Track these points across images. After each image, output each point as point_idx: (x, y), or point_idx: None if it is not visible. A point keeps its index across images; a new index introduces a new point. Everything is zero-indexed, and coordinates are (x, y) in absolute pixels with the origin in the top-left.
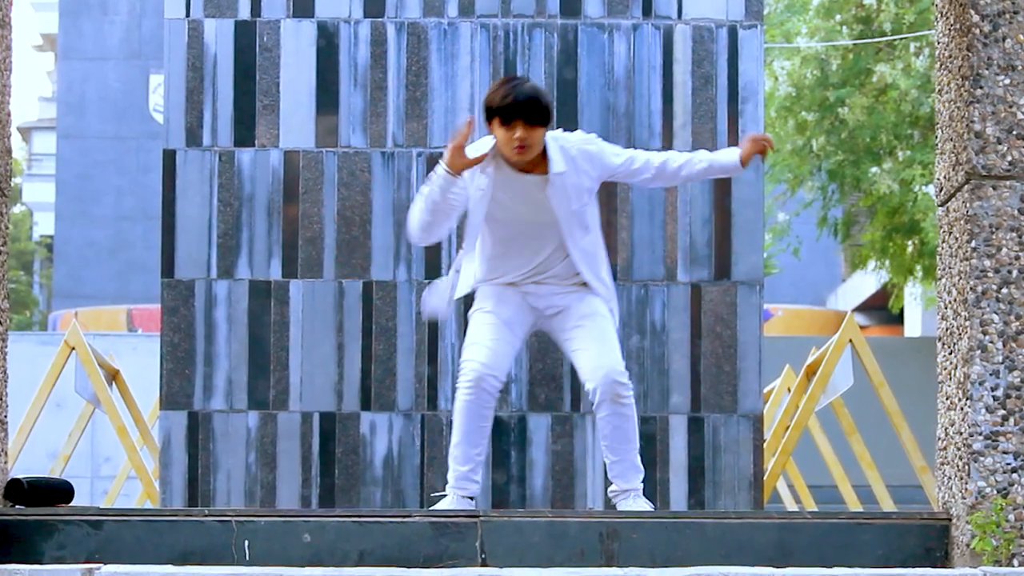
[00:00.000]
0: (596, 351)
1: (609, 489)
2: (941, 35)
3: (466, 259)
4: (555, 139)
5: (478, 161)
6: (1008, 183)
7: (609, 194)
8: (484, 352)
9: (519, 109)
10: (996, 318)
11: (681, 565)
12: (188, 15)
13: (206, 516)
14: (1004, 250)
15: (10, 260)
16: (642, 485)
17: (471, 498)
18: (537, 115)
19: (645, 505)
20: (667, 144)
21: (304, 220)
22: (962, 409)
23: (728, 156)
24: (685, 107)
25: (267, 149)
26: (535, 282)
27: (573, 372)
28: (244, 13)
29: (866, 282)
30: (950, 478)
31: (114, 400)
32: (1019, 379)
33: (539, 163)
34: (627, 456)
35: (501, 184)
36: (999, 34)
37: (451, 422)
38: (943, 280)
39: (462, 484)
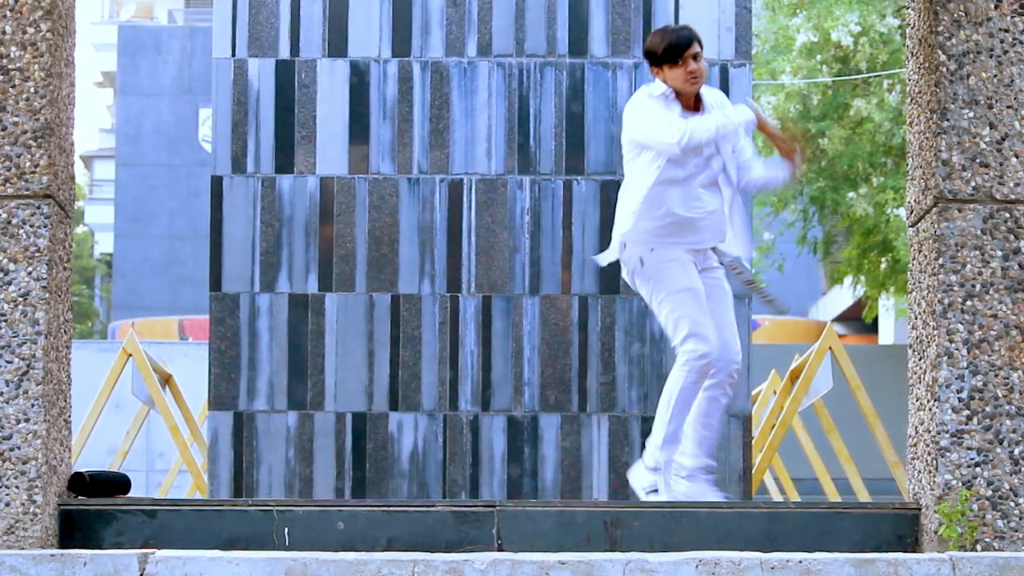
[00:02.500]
0: (725, 331)
1: (686, 465)
2: (912, 73)
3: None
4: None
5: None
6: (972, 206)
7: (612, 215)
8: (711, 335)
9: (683, 45)
10: (961, 328)
11: (678, 550)
12: (234, 55)
13: (250, 506)
14: (968, 266)
15: (74, 275)
16: None
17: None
18: (699, 44)
19: (715, 493)
20: None
21: (338, 239)
22: (930, 410)
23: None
24: None
25: (305, 175)
26: (698, 227)
27: (581, 375)
28: (284, 53)
29: (844, 295)
30: (920, 472)
31: (167, 401)
32: (982, 383)
33: (698, 106)
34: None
35: (684, 116)
36: (964, 72)
37: (470, 421)
38: (913, 293)
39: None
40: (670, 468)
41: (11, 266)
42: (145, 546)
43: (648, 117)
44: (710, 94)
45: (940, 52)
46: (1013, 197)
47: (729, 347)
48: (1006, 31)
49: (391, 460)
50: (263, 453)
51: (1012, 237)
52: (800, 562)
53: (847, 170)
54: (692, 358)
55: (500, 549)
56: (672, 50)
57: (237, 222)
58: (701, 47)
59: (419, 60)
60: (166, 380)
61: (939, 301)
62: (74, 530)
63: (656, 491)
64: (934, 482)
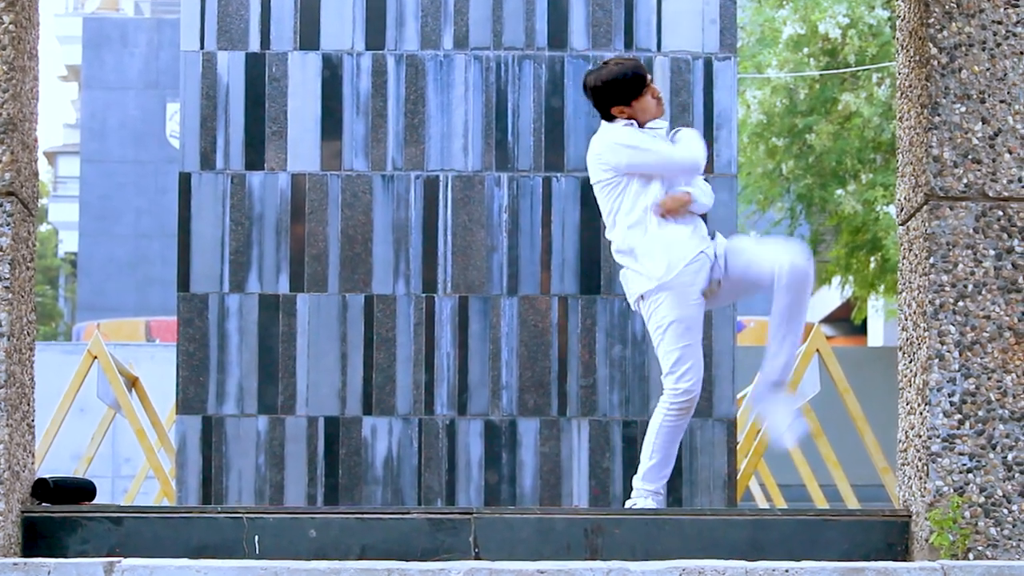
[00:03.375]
0: (767, 251)
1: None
2: (902, 66)
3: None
4: None
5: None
6: (964, 204)
7: (593, 213)
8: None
9: (644, 75)
10: (953, 329)
11: (660, 559)
12: (203, 48)
13: (219, 513)
14: (960, 266)
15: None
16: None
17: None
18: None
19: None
20: None
21: (310, 238)
22: (921, 414)
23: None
24: None
25: (276, 172)
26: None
27: (561, 378)
28: (254, 46)
29: (831, 296)
30: (910, 478)
31: (133, 405)
32: (974, 386)
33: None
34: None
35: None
36: (955, 65)
37: (447, 425)
38: (904, 294)
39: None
40: (656, 496)
41: None
42: (111, 554)
43: (647, 143)
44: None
45: (931, 45)
46: (1006, 194)
47: (784, 258)
48: (999, 23)
49: (365, 466)
50: (233, 458)
51: (1005, 236)
52: (787, 571)
53: (835, 167)
54: (675, 394)
55: (477, 558)
56: (642, 80)
57: (206, 220)
58: None
59: (394, 53)
60: (133, 383)
61: (930, 302)
62: (38, 538)
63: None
64: (925, 488)
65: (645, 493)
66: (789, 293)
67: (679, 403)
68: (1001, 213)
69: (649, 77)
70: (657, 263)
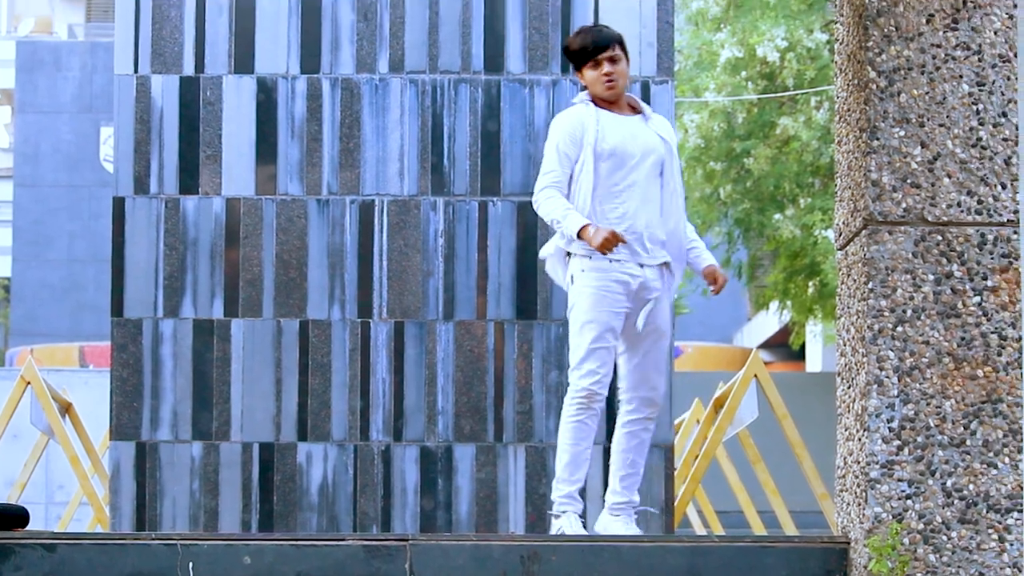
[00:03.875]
0: (647, 371)
1: (612, 503)
2: (840, 90)
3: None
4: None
5: (617, 241)
6: (903, 228)
7: (529, 237)
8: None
9: (600, 49)
10: (892, 354)
11: None
12: (136, 71)
13: (153, 540)
14: (899, 291)
15: None
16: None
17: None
18: (621, 47)
19: (635, 528)
20: None
21: (245, 263)
22: (860, 440)
23: (700, 262)
24: None
25: (210, 196)
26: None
27: (497, 404)
28: (188, 69)
29: (769, 321)
30: (849, 504)
31: (67, 431)
32: (913, 412)
33: (632, 111)
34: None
35: (609, 125)
36: (894, 89)
37: (382, 451)
38: (842, 319)
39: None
40: (574, 503)
41: None
42: None
43: (547, 148)
44: (657, 118)
45: (870, 68)
46: (945, 219)
47: (653, 388)
48: (938, 47)
49: (300, 492)
50: (167, 485)
51: (944, 260)
52: None
53: (773, 191)
54: (575, 390)
55: None
56: (585, 52)
57: (140, 245)
58: (624, 50)
59: (328, 77)
60: (66, 409)
61: (869, 327)
62: None
63: (560, 526)
64: (863, 515)
65: (559, 502)
66: (632, 438)
67: (577, 399)
68: (940, 238)
69: (608, 53)
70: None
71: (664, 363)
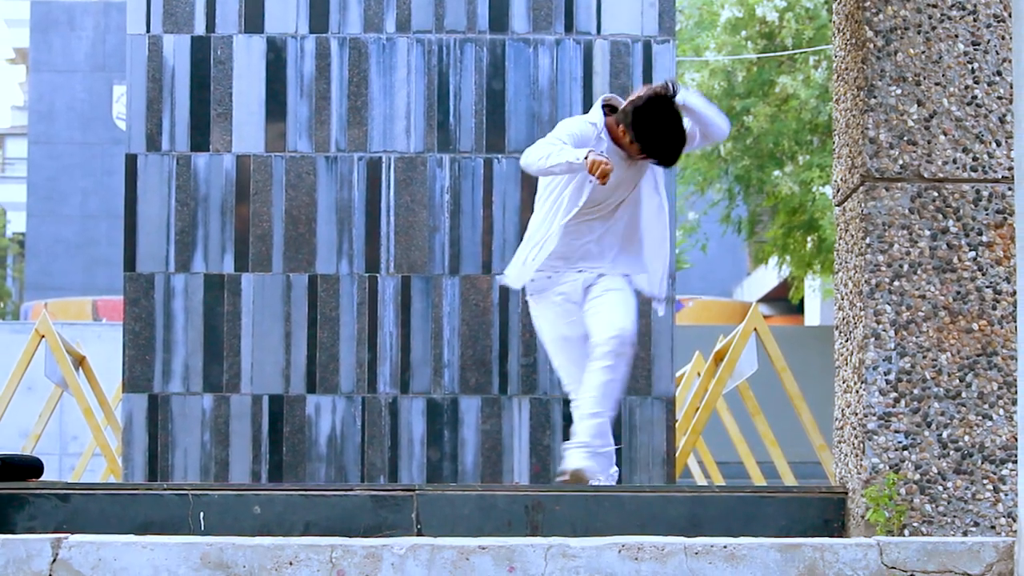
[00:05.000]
0: (610, 311)
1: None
2: (838, 49)
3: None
4: None
5: (606, 169)
6: (900, 185)
7: (534, 194)
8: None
9: (657, 153)
10: (889, 308)
11: (600, 534)
12: (148, 31)
13: (165, 490)
14: (896, 246)
15: None
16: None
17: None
18: (668, 162)
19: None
20: None
21: (255, 219)
22: (857, 392)
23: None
24: None
25: (221, 154)
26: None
27: (502, 357)
28: (200, 29)
29: (769, 275)
30: (846, 455)
31: (80, 384)
32: (909, 364)
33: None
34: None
35: (613, 158)
36: (891, 48)
37: (389, 403)
38: (840, 274)
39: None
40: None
41: None
42: (58, 531)
43: (551, 136)
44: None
45: (867, 28)
46: (941, 176)
47: (610, 324)
48: (934, 6)
49: (308, 443)
50: (178, 436)
51: (940, 216)
52: (725, 547)
53: (772, 148)
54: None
55: (419, 534)
56: (628, 115)
57: (152, 201)
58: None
59: (337, 36)
60: (80, 362)
61: (866, 281)
62: None
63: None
64: (861, 466)
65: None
66: (605, 372)
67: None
68: (936, 194)
69: (632, 132)
70: (517, 258)
71: (623, 307)
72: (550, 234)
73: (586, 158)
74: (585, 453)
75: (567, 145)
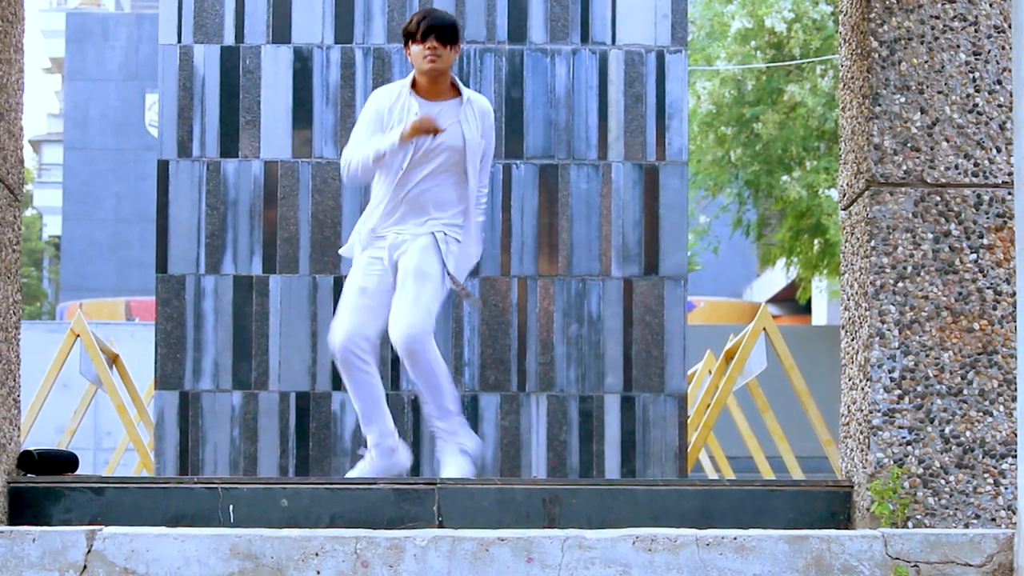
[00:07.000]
0: (399, 311)
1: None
2: (844, 59)
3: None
4: (465, 87)
5: (428, 121)
6: (903, 189)
7: (551, 198)
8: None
9: (433, 27)
10: (893, 309)
11: (615, 527)
12: (180, 41)
13: (195, 484)
14: (900, 248)
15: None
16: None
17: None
18: (447, 34)
19: (464, 462)
20: (602, 154)
21: (282, 222)
22: (863, 389)
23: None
24: (618, 122)
25: (249, 159)
26: (399, 223)
27: (520, 356)
28: (229, 39)
29: (777, 277)
30: (852, 450)
31: (114, 381)
32: (913, 362)
33: (451, 95)
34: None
35: (422, 111)
36: (895, 58)
37: (412, 400)
38: (846, 275)
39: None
40: (380, 450)
41: None
42: (93, 523)
43: (359, 127)
44: (476, 101)
45: (872, 39)
46: (944, 181)
47: (397, 324)
48: (936, 18)
49: (334, 438)
50: (208, 432)
51: (943, 220)
52: (735, 539)
53: (781, 154)
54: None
55: (441, 526)
56: (420, 32)
57: (183, 205)
58: (451, 42)
59: (361, 47)
60: (113, 360)
61: (871, 283)
62: (23, 507)
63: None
64: (866, 460)
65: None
66: (414, 376)
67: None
68: (939, 198)
69: (427, 35)
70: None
71: (413, 298)
72: (382, 200)
73: (402, 136)
74: (460, 456)
75: (373, 138)
